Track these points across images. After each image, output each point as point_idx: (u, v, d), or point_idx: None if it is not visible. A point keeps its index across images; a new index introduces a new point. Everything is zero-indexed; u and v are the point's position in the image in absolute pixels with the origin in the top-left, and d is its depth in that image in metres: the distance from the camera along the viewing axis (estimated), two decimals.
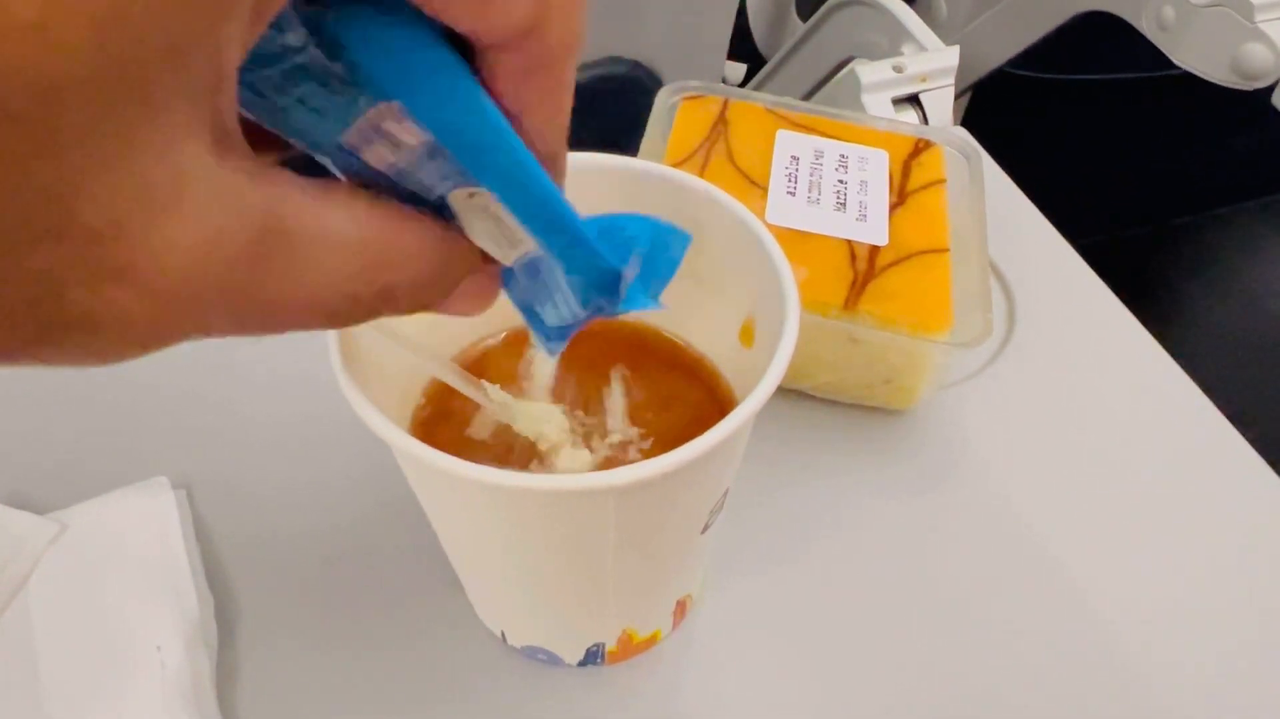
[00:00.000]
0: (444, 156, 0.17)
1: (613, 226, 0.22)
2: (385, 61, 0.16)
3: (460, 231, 0.19)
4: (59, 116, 0.11)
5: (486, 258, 0.20)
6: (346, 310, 0.17)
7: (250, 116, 0.17)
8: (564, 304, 0.22)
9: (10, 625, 0.35)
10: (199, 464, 0.40)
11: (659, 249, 0.23)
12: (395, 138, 0.17)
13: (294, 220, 0.15)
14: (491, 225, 0.19)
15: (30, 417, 0.42)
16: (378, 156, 0.17)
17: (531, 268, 0.21)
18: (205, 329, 0.15)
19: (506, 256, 0.20)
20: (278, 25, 0.15)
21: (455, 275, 0.19)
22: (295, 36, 0.15)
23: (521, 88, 0.17)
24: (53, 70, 0.11)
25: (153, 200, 0.13)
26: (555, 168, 0.19)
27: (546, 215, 0.19)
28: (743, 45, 1.02)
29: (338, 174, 0.18)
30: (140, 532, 0.37)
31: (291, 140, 0.18)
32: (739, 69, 1.04)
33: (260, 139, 0.17)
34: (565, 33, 0.17)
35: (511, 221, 0.19)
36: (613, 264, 0.21)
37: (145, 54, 0.12)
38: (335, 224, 0.16)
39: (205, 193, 0.13)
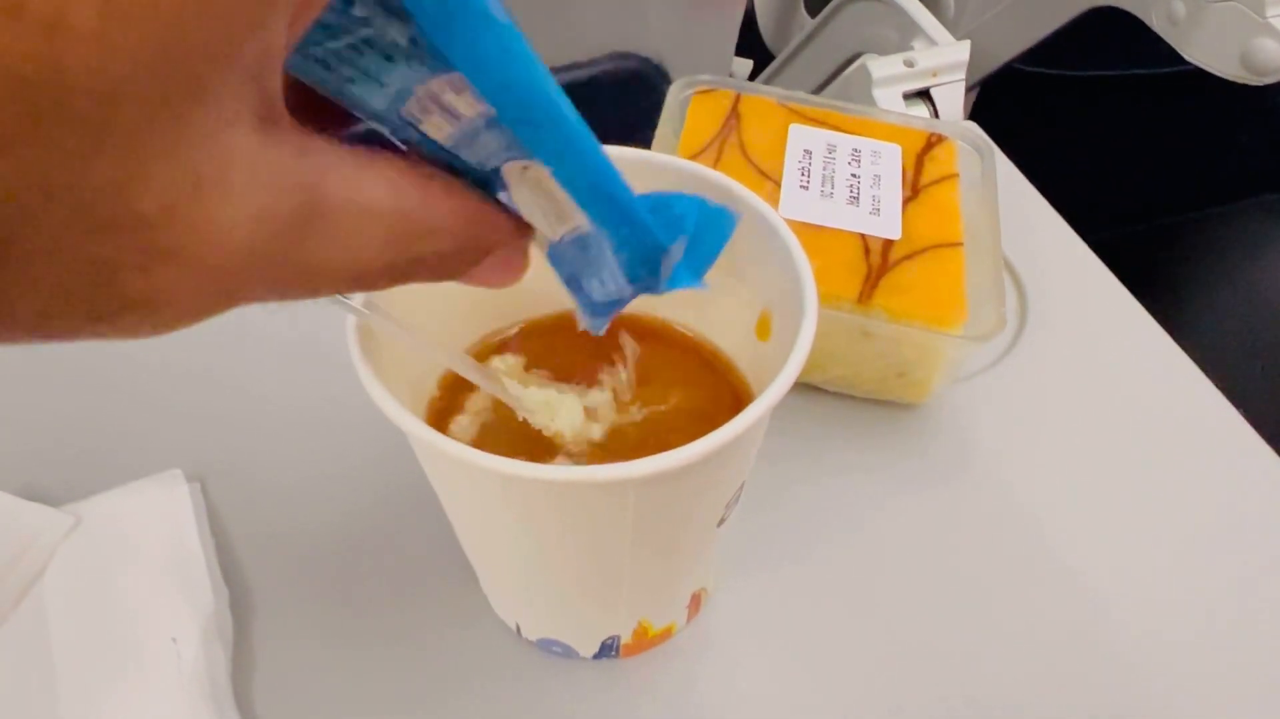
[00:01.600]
0: (500, 129, 0.17)
1: (661, 204, 0.22)
2: (448, 32, 0.16)
3: (502, 204, 0.20)
4: (116, 116, 0.12)
5: (519, 231, 0.20)
6: (380, 276, 0.17)
7: (317, 89, 0.17)
8: (610, 280, 0.22)
9: (25, 618, 0.35)
10: (213, 456, 0.40)
11: (705, 228, 0.23)
12: (454, 109, 0.17)
13: (334, 191, 0.16)
14: (543, 199, 0.19)
15: (45, 410, 0.42)
16: (436, 127, 0.18)
17: (580, 242, 0.21)
18: (248, 298, 0.15)
19: (555, 231, 0.21)
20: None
21: (485, 246, 0.20)
22: (362, 8, 0.16)
23: None
24: (112, 75, 0.11)
25: (202, 186, 0.13)
26: None
27: (599, 191, 0.19)
28: (750, 40, 1.02)
29: (398, 145, 0.19)
30: (155, 524, 0.37)
31: (355, 111, 0.18)
32: (746, 64, 1.04)
33: (325, 113, 0.18)
34: None
35: (563, 196, 0.19)
36: (661, 241, 0.21)
37: (197, 53, 0.12)
38: (373, 194, 0.16)
39: (250, 173, 0.14)
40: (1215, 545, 0.40)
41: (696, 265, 0.23)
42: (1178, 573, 0.39)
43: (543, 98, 0.17)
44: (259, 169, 0.14)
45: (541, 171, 0.18)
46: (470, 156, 0.18)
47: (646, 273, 0.22)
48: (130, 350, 0.44)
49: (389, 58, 0.17)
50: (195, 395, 0.43)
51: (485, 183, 0.19)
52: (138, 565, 0.36)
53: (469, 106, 0.17)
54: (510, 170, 0.19)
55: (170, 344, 0.44)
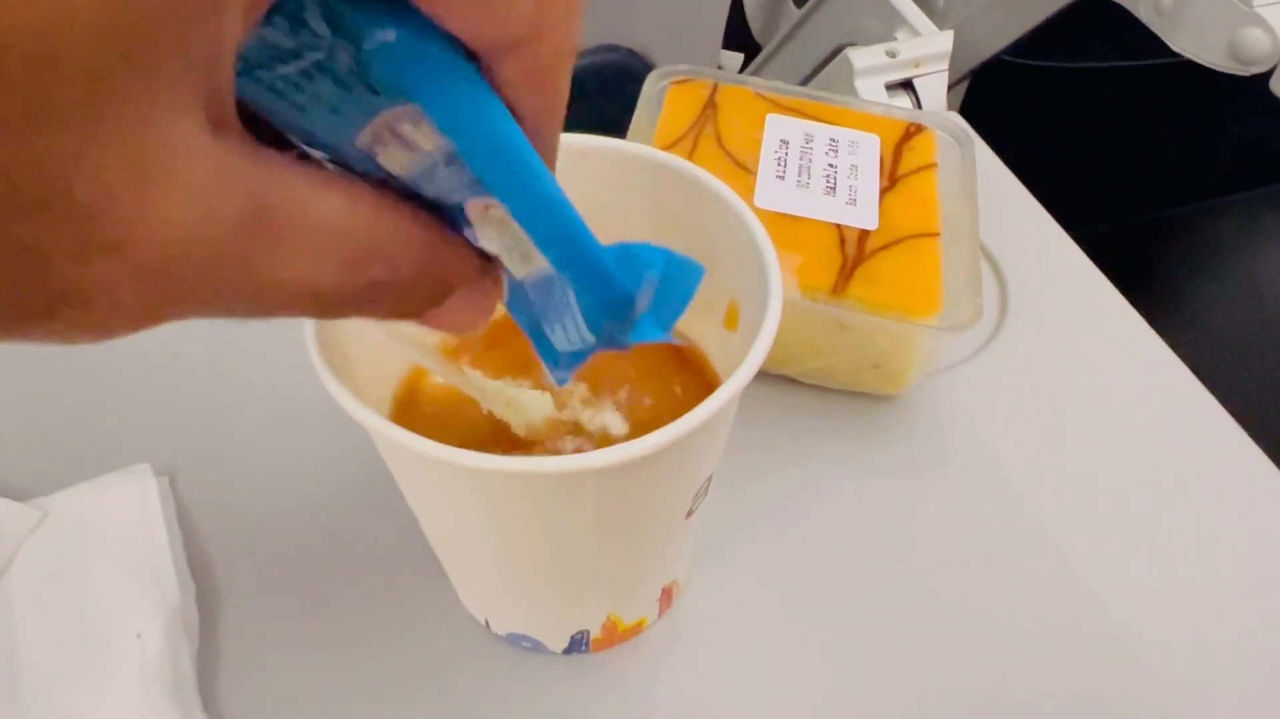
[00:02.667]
0: (460, 165, 0.17)
1: (627, 254, 0.21)
2: (404, 61, 0.15)
3: (471, 241, 0.19)
4: (56, 87, 0.11)
5: (484, 270, 0.20)
6: (336, 302, 0.17)
7: (267, 117, 0.17)
8: (574, 329, 0.21)
9: None
10: (181, 451, 0.40)
11: (672, 279, 0.22)
12: (411, 141, 0.17)
13: (286, 204, 0.15)
14: (507, 239, 0.19)
15: (11, 404, 0.42)
16: (393, 160, 0.17)
17: (544, 285, 0.20)
18: (193, 309, 0.15)
19: (519, 270, 0.20)
20: (299, 19, 0.15)
21: (448, 279, 0.19)
22: (315, 30, 0.15)
23: (518, 93, 0.17)
24: (53, 39, 0.11)
25: (146, 175, 0.12)
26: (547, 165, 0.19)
27: (561, 235, 0.18)
28: (740, 35, 1.01)
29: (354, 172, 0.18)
30: (122, 518, 0.37)
31: (308, 145, 0.18)
32: (736, 58, 1.03)
33: (277, 143, 0.17)
34: (563, 40, 0.17)
35: (524, 238, 0.18)
36: (626, 288, 0.20)
37: (146, 24, 0.12)
38: (328, 211, 0.16)
39: (198, 169, 0.13)
40: (1195, 537, 0.40)
41: (663, 317, 0.22)
42: (1158, 565, 0.39)
43: (498, 134, 0.17)
44: (209, 166, 0.13)
45: (502, 211, 0.18)
46: (431, 191, 0.18)
47: (611, 320, 0.21)
48: (100, 344, 0.44)
49: (342, 84, 0.16)
50: (164, 390, 0.42)
51: (450, 217, 0.19)
52: (104, 560, 0.36)
53: (426, 139, 0.16)
54: (473, 208, 0.18)
55: (140, 339, 0.44)
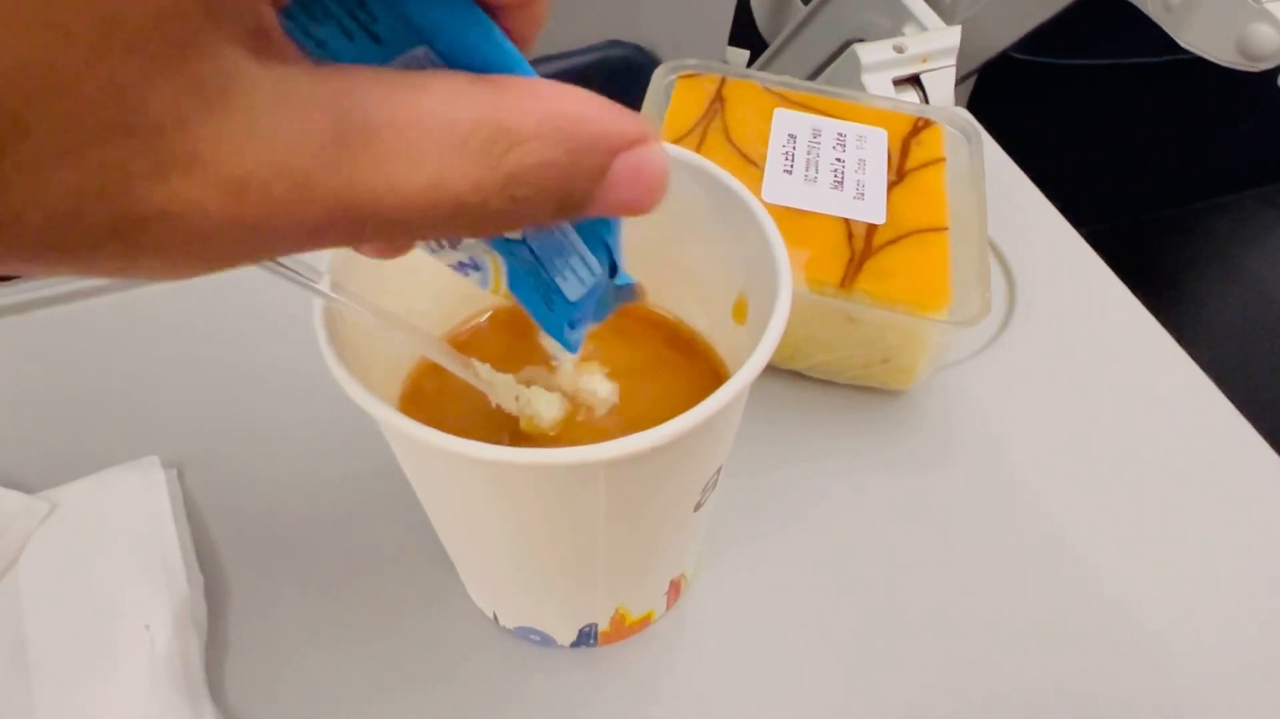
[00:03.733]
0: None
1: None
2: (420, 5, 0.16)
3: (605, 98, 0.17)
4: (126, 12, 0.12)
5: (638, 127, 0.17)
6: (481, 206, 0.15)
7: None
8: (581, 265, 0.22)
9: (0, 604, 0.35)
10: (190, 443, 0.40)
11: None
12: None
13: (377, 109, 0.14)
14: None
15: (21, 397, 0.42)
16: None
17: (542, 235, 0.21)
18: (300, 234, 0.14)
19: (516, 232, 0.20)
20: None
21: (601, 151, 0.17)
22: None
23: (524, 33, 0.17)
24: None
25: (207, 98, 0.13)
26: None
27: None
28: (748, 31, 1.01)
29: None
30: (131, 511, 0.37)
31: None
32: (742, 55, 1.03)
33: None
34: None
35: None
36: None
37: None
38: (428, 107, 0.15)
39: (254, 94, 0.13)
40: (1203, 532, 0.40)
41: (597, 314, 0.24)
42: (1165, 559, 0.39)
43: (509, 64, 0.17)
44: (261, 90, 0.14)
45: None
46: None
47: (610, 235, 0.22)
48: (109, 337, 0.44)
49: (351, 33, 0.16)
50: (173, 384, 0.42)
51: None
52: (113, 552, 0.36)
53: None
54: None
55: (149, 331, 0.44)
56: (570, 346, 0.25)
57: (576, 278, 0.23)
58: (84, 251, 0.13)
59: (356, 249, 0.24)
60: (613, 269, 0.22)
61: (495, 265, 0.22)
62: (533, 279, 0.23)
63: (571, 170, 0.16)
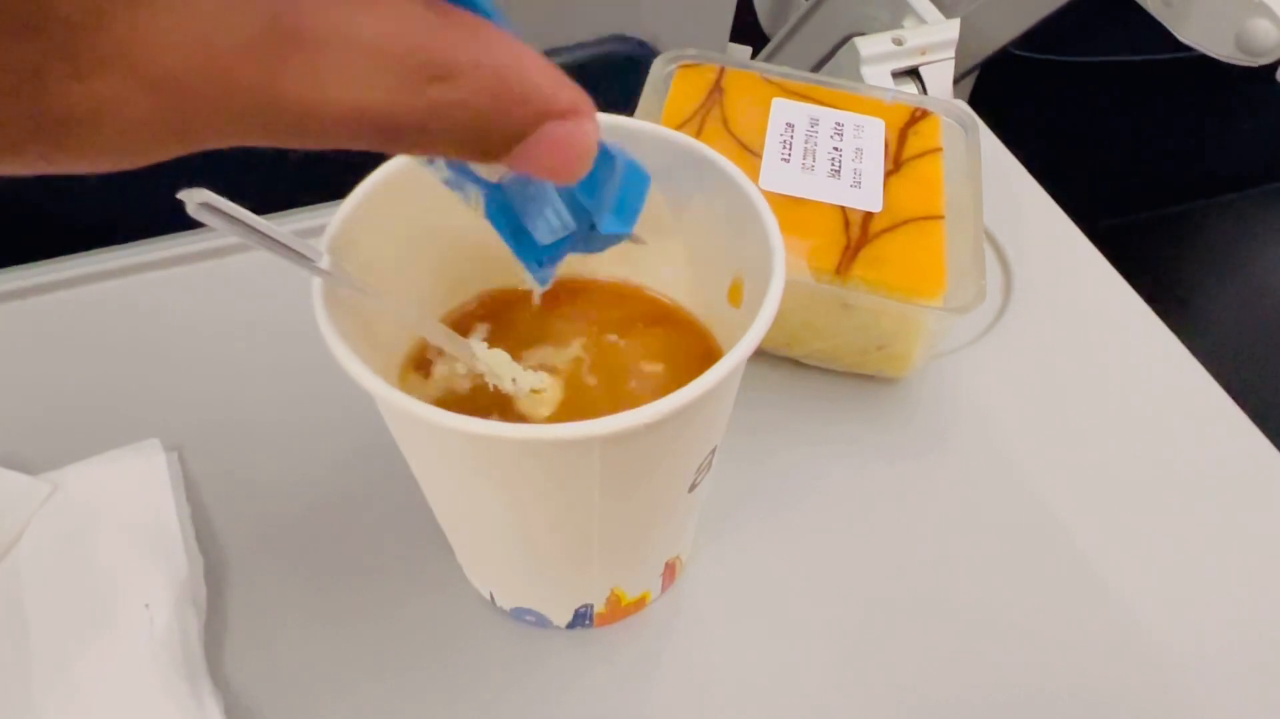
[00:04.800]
0: None
1: None
2: None
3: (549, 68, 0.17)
4: None
5: (576, 97, 0.17)
6: (394, 128, 0.15)
7: None
8: (554, 215, 0.22)
9: (1, 584, 0.35)
10: (191, 426, 0.40)
11: (630, 182, 0.23)
12: None
13: (313, 18, 0.14)
14: None
15: (22, 378, 0.42)
16: None
17: (521, 182, 0.22)
18: (225, 129, 0.14)
19: (495, 173, 0.21)
20: None
21: (529, 109, 0.16)
22: None
23: None
24: None
25: None
26: None
27: None
28: (748, 28, 1.01)
29: None
30: (131, 493, 0.37)
31: None
32: (744, 51, 1.03)
33: None
34: None
35: None
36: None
37: None
38: (369, 24, 0.15)
39: None
40: (1196, 521, 0.40)
41: (625, 214, 0.24)
42: (1160, 548, 0.39)
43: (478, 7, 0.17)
44: None
45: None
46: None
47: (588, 199, 0.22)
48: (111, 320, 0.44)
49: None
50: (173, 366, 0.43)
51: None
52: (113, 533, 0.36)
53: None
54: None
55: (151, 315, 0.44)
56: (540, 281, 0.25)
57: (548, 226, 0.23)
58: (11, 154, 0.13)
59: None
60: (594, 224, 0.23)
61: (476, 193, 0.23)
62: (507, 215, 0.23)
63: (491, 119, 0.16)
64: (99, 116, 0.13)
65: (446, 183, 0.23)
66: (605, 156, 0.22)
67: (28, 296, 0.45)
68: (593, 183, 0.22)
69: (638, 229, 0.24)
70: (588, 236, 0.23)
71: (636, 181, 0.24)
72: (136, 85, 0.13)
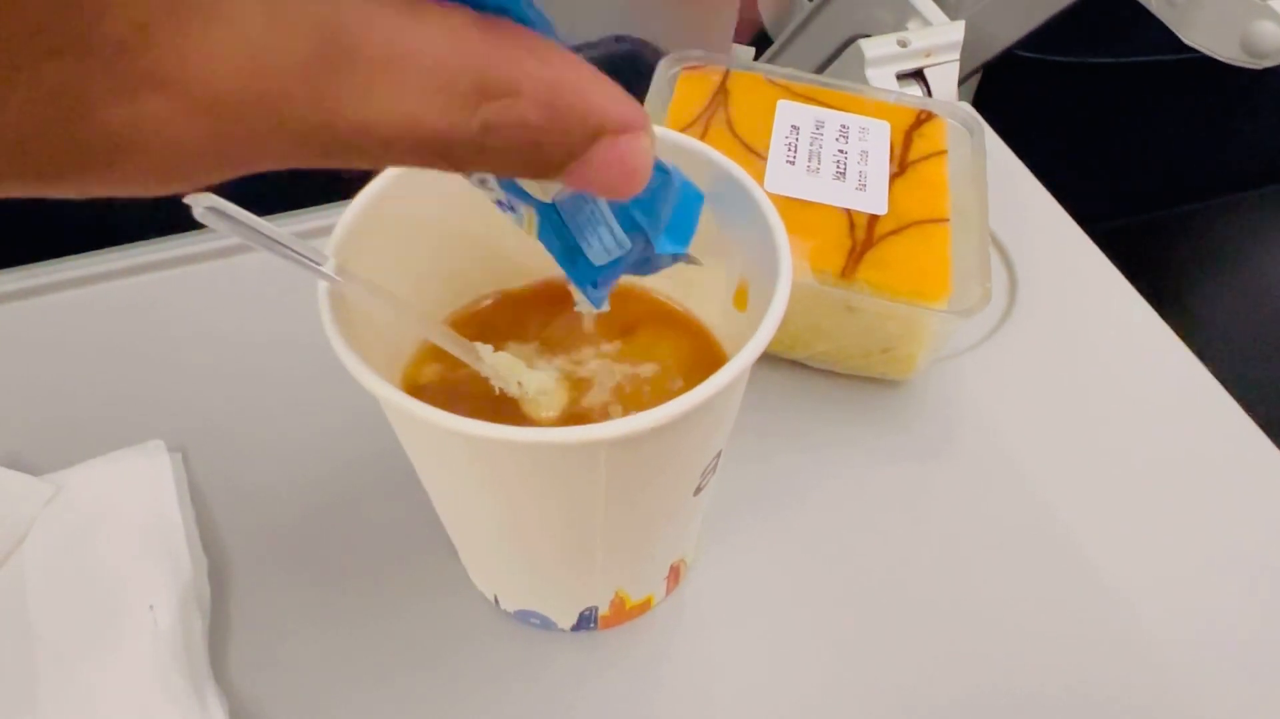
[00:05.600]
0: None
1: None
2: None
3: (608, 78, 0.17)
4: None
5: (632, 114, 0.17)
6: (448, 148, 0.15)
7: None
8: (609, 235, 0.22)
9: (4, 585, 0.35)
10: (195, 427, 0.40)
11: (683, 202, 0.23)
12: None
13: (365, 35, 0.14)
14: None
15: (27, 378, 0.42)
16: None
17: (575, 201, 0.21)
18: (275, 151, 0.14)
19: (549, 192, 0.20)
20: None
21: (585, 127, 0.16)
22: None
23: None
24: None
25: (182, 9, 0.12)
26: None
27: None
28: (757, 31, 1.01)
29: None
30: (135, 493, 0.37)
31: None
32: (747, 52, 1.03)
33: None
34: None
35: None
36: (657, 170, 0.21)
37: None
38: (421, 41, 0.14)
39: (245, 4, 0.13)
40: (1202, 524, 0.40)
41: (679, 235, 0.23)
42: (1165, 551, 0.39)
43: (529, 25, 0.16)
44: (253, 2, 0.13)
45: None
46: None
47: (644, 216, 0.22)
48: (115, 321, 0.44)
49: None
50: (178, 368, 0.43)
51: None
52: (117, 534, 0.36)
53: None
54: None
55: (155, 316, 0.44)
56: (594, 303, 0.25)
57: (602, 246, 0.23)
58: (48, 178, 0.13)
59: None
60: (650, 242, 0.23)
61: (529, 213, 0.23)
62: (560, 235, 0.23)
63: (549, 138, 0.16)
64: (146, 140, 0.13)
65: (499, 204, 0.23)
66: (662, 174, 0.22)
67: (32, 297, 0.45)
68: (650, 201, 0.22)
69: (692, 249, 0.24)
70: (642, 258, 0.23)
71: (690, 200, 0.23)
72: (184, 108, 0.13)
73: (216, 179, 0.14)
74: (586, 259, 0.23)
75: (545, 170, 0.16)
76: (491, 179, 0.21)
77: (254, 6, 0.13)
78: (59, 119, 0.12)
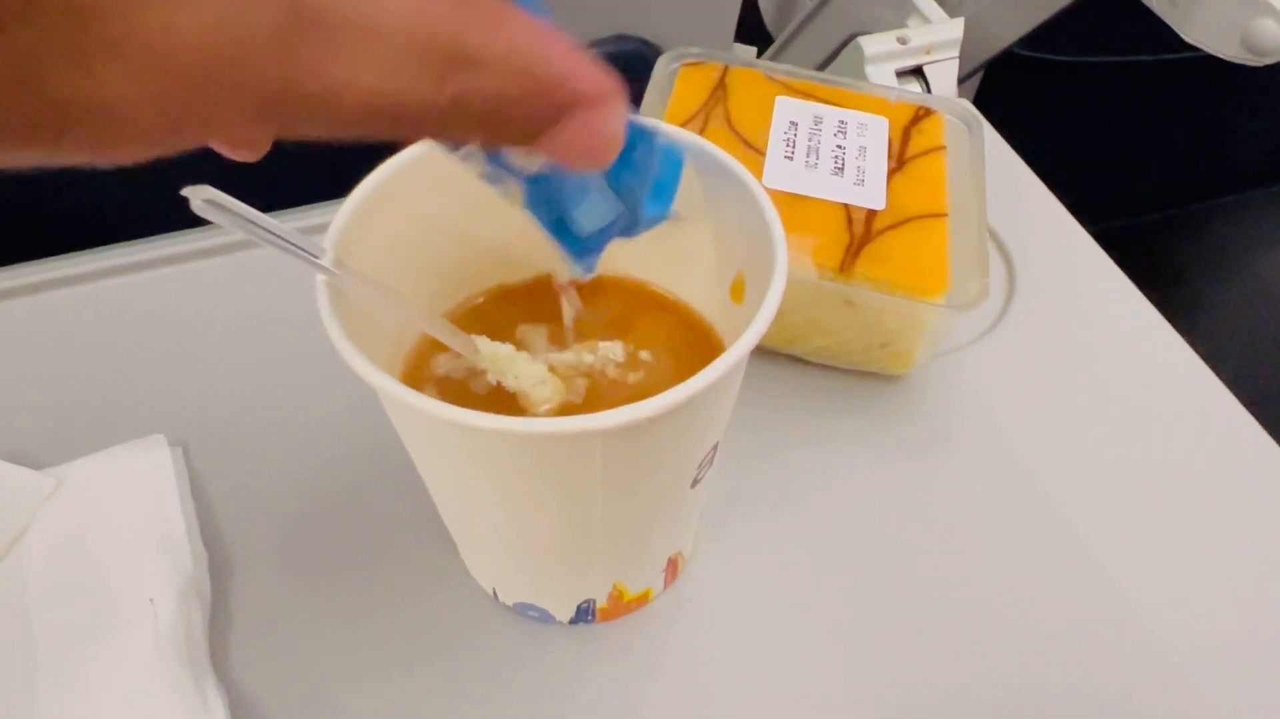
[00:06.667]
0: None
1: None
2: None
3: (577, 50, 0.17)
4: None
5: (605, 87, 0.17)
6: (417, 117, 0.15)
7: None
8: (599, 200, 0.22)
9: (5, 578, 0.35)
10: (196, 421, 0.40)
11: (665, 165, 0.23)
12: None
13: (333, 3, 0.14)
14: None
15: (28, 374, 0.42)
16: None
17: (562, 169, 0.21)
18: (240, 117, 0.14)
19: (533, 163, 0.20)
20: None
21: (557, 98, 0.16)
22: None
23: None
24: None
25: None
26: None
27: None
28: (753, 29, 1.01)
29: None
30: (136, 487, 0.37)
31: None
32: (749, 51, 1.03)
33: None
34: None
35: None
36: (638, 128, 0.21)
37: None
38: (391, 10, 0.14)
39: None
40: (1201, 518, 0.40)
41: (663, 197, 0.24)
42: (1163, 545, 0.39)
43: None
44: None
45: None
46: None
47: (632, 176, 0.22)
48: (116, 317, 0.44)
49: None
50: (179, 362, 0.43)
51: None
52: (118, 528, 0.36)
53: None
54: None
55: (156, 311, 0.44)
56: (585, 270, 0.25)
57: (594, 212, 0.23)
58: (16, 147, 0.12)
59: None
60: (638, 205, 0.23)
61: (515, 185, 0.23)
62: (548, 205, 0.23)
63: (518, 108, 0.16)
64: (107, 108, 0.12)
65: (484, 176, 0.23)
66: (644, 137, 0.22)
67: (34, 293, 0.45)
68: (635, 164, 0.22)
69: (675, 206, 0.24)
70: (630, 221, 0.23)
71: (672, 161, 0.24)
72: (148, 75, 0.12)
73: (178, 148, 0.14)
74: (576, 227, 0.23)
75: (516, 139, 0.16)
76: (477, 152, 0.22)
77: None
78: (12, 85, 0.12)
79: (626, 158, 0.19)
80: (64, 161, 0.13)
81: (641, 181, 0.22)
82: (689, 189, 0.32)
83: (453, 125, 0.15)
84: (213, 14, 0.12)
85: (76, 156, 0.13)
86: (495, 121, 0.16)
